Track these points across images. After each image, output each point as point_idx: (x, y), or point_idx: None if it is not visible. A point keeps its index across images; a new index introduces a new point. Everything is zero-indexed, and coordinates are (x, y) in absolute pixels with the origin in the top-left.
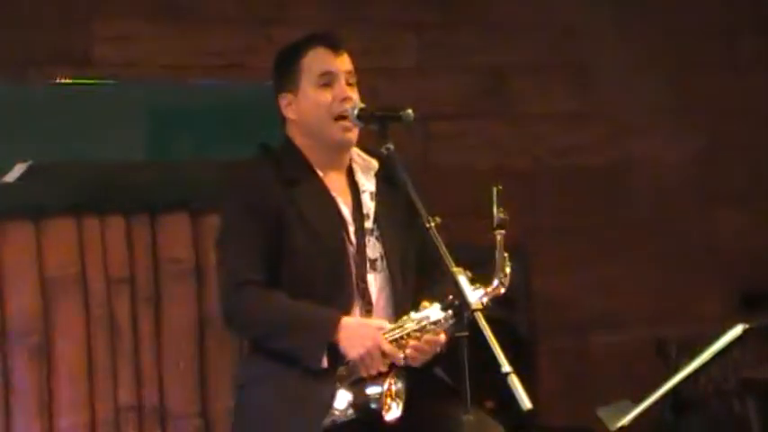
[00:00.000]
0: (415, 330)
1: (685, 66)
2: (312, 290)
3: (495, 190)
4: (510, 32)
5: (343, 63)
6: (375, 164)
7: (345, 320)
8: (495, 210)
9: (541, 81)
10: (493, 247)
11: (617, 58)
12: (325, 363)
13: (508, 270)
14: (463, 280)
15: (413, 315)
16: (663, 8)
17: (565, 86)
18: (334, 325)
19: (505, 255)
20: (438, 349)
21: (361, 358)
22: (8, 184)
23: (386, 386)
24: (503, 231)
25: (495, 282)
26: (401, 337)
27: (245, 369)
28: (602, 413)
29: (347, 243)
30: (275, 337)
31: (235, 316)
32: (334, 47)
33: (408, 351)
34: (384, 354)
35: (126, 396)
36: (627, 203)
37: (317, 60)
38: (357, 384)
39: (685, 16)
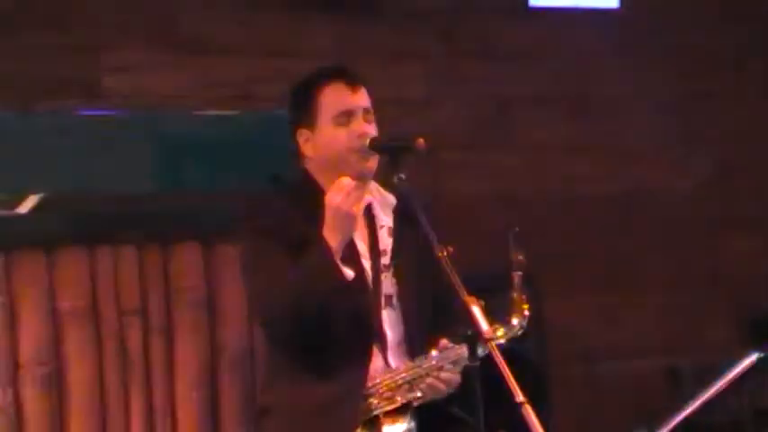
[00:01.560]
0: (434, 369)
1: (691, 92)
2: (329, 327)
3: (511, 233)
4: (515, 63)
5: (361, 99)
6: (393, 199)
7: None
8: (512, 251)
9: (546, 110)
10: (501, 275)
11: (621, 86)
12: (347, 272)
13: (527, 312)
14: (476, 309)
15: (433, 353)
16: (668, 34)
17: (569, 115)
18: (319, 239)
19: (524, 296)
20: (454, 387)
21: (342, 212)
22: (20, 216)
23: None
24: (520, 273)
25: (516, 323)
26: (420, 376)
27: (264, 397)
28: None
29: (363, 278)
30: (302, 297)
31: (273, 313)
32: (352, 83)
33: (424, 387)
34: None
35: (138, 427)
36: (634, 231)
37: (335, 98)
38: (373, 424)
39: (691, 42)
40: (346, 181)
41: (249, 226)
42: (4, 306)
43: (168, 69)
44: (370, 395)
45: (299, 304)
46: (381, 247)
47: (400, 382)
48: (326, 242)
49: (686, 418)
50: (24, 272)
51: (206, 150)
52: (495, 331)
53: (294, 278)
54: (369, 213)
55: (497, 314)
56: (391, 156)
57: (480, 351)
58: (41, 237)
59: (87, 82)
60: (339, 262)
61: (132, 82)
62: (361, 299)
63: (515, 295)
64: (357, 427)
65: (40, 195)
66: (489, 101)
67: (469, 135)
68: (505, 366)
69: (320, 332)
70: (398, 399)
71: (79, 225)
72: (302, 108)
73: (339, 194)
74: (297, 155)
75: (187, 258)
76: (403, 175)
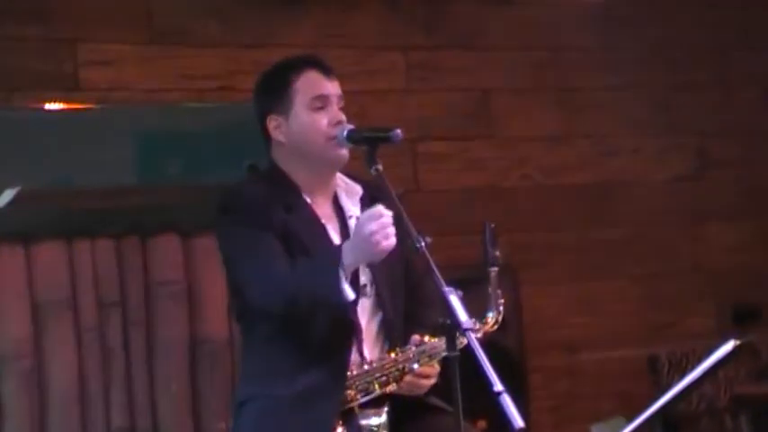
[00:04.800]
0: (411, 362)
1: (672, 84)
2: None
3: (487, 227)
4: (496, 54)
5: (335, 87)
6: (359, 188)
7: (345, 245)
8: (488, 247)
9: (527, 101)
10: (480, 266)
11: (603, 77)
12: (348, 293)
13: (501, 308)
14: (454, 300)
15: (409, 348)
16: (650, 27)
17: (551, 106)
18: (336, 251)
19: (498, 291)
20: (433, 381)
21: (373, 241)
22: None
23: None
24: (496, 269)
25: (491, 317)
26: (397, 370)
27: (243, 387)
28: (597, 430)
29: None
30: (299, 295)
31: (269, 298)
32: (327, 71)
33: (403, 385)
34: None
35: (118, 419)
36: (615, 222)
37: (311, 83)
38: (350, 416)
39: (673, 35)
40: (385, 212)
41: (227, 216)
42: None
43: (147, 62)
44: (347, 387)
45: (294, 300)
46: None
47: (377, 375)
48: (340, 257)
49: (664, 406)
50: (3, 265)
51: (185, 143)
52: (473, 322)
53: (297, 276)
54: (336, 203)
55: (476, 306)
56: (369, 146)
57: (459, 341)
58: (20, 230)
59: (65, 75)
60: (345, 284)
61: (111, 75)
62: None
63: (491, 290)
64: (335, 418)
65: (18, 189)
66: (470, 92)
67: (450, 126)
68: (483, 356)
69: (302, 324)
70: (375, 390)
71: (58, 218)
72: (274, 94)
73: (375, 224)
74: (266, 143)
75: (166, 251)
76: (380, 167)
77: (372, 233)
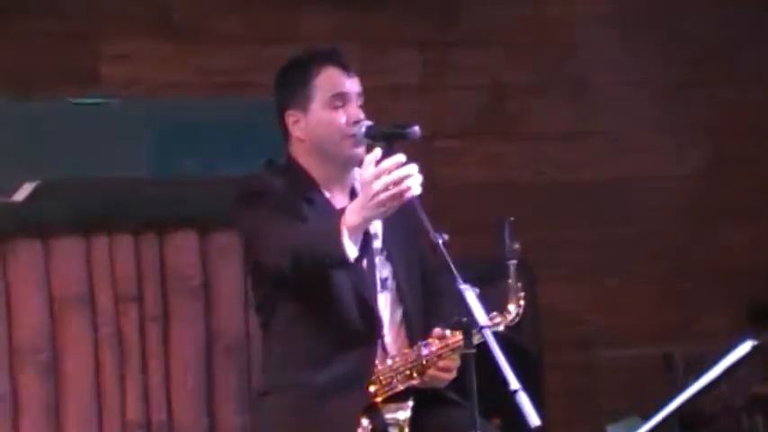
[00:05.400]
0: (433, 357)
1: (687, 82)
2: (335, 309)
3: (507, 222)
4: (512, 50)
5: (355, 84)
6: None
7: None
8: (507, 240)
9: (543, 98)
10: (497, 263)
11: (618, 74)
12: (350, 250)
13: (522, 301)
14: (471, 297)
15: (431, 342)
16: (663, 24)
17: (567, 103)
18: (339, 210)
19: (519, 284)
20: (454, 374)
21: (378, 201)
22: (16, 204)
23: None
24: (515, 262)
25: (513, 311)
26: (420, 364)
27: (265, 378)
28: (612, 430)
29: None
30: (302, 251)
31: (278, 259)
32: (347, 67)
33: (426, 378)
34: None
35: (134, 413)
36: (629, 219)
37: (331, 81)
38: (374, 411)
39: (686, 32)
40: (394, 163)
41: (247, 199)
42: (0, 293)
43: (166, 57)
44: (371, 382)
45: (298, 256)
46: (372, 230)
47: (400, 369)
48: (343, 216)
49: (679, 406)
50: (20, 260)
51: (203, 138)
52: (491, 319)
53: (301, 234)
54: (354, 197)
55: (493, 302)
56: (387, 143)
57: (475, 338)
58: (37, 224)
59: (85, 70)
60: (346, 238)
61: (130, 70)
62: (363, 283)
63: (511, 283)
64: (359, 412)
65: (36, 183)
66: (486, 88)
67: (466, 122)
68: (500, 353)
69: (325, 314)
70: (398, 386)
71: (75, 213)
72: (294, 89)
73: (380, 180)
74: (284, 138)
75: (183, 246)
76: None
77: (377, 192)
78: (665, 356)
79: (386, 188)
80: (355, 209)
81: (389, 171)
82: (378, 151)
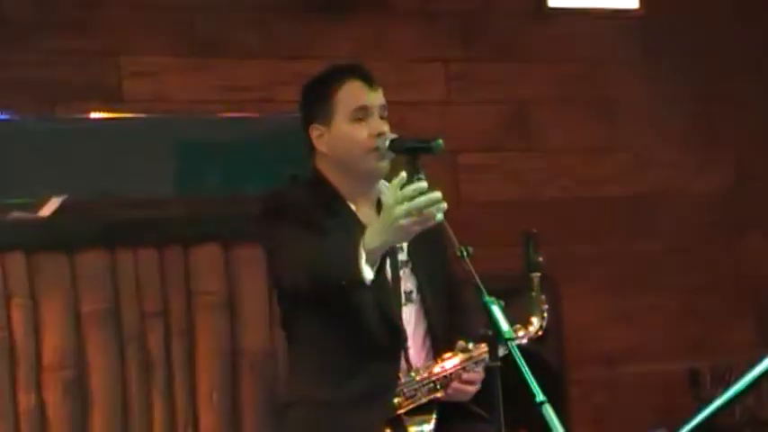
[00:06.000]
0: (457, 369)
1: (711, 96)
2: (357, 322)
3: (530, 234)
4: (535, 65)
5: (378, 97)
6: None
7: (370, 227)
8: (530, 253)
9: (566, 113)
10: (520, 277)
11: (641, 89)
12: (367, 272)
13: (546, 314)
14: (496, 309)
15: (453, 354)
16: (688, 39)
17: (590, 118)
18: (359, 231)
19: (543, 296)
20: (478, 387)
21: (399, 226)
22: (42, 219)
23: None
24: (539, 274)
25: (536, 323)
26: (444, 377)
27: (288, 392)
28: None
29: (385, 276)
30: (318, 271)
31: (296, 277)
32: (369, 81)
33: (450, 391)
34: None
35: (160, 429)
36: (654, 234)
37: (353, 94)
38: (397, 423)
39: (711, 46)
40: (415, 189)
41: (270, 214)
42: (26, 309)
43: (189, 73)
44: (394, 395)
45: (314, 275)
46: (397, 243)
47: (424, 382)
48: (363, 237)
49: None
50: (46, 275)
51: (226, 154)
52: (515, 331)
53: (319, 253)
54: (380, 209)
55: (517, 316)
56: (410, 156)
57: (500, 351)
58: (63, 240)
59: (109, 86)
60: (363, 261)
61: (153, 86)
62: (386, 297)
63: (534, 295)
64: (383, 425)
65: (62, 198)
66: (509, 103)
67: (489, 137)
68: (526, 366)
69: (349, 327)
70: (422, 398)
71: (101, 228)
72: (318, 104)
73: (403, 205)
74: (309, 152)
75: (208, 261)
76: (422, 176)
77: (398, 217)
78: (692, 372)
79: (408, 214)
80: (376, 232)
81: (412, 198)
82: (403, 175)
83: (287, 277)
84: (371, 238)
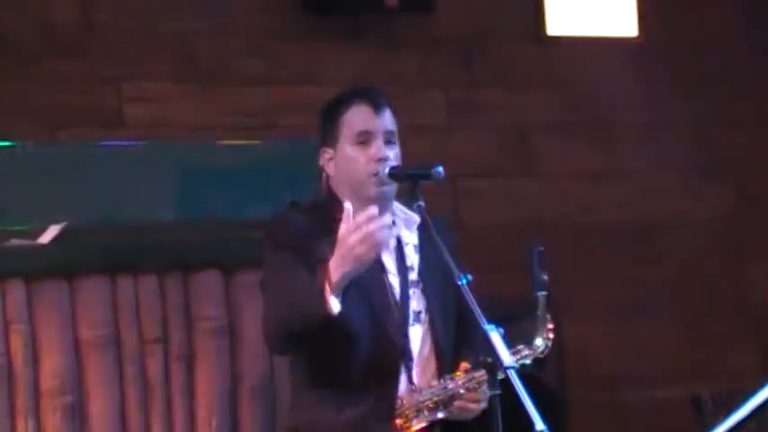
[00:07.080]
0: (460, 389)
1: (712, 121)
2: (353, 341)
3: (535, 251)
4: (535, 91)
5: (383, 122)
6: (417, 218)
7: (331, 261)
8: (536, 271)
9: (567, 138)
10: (521, 301)
11: (642, 114)
12: (333, 304)
13: (551, 334)
14: (495, 337)
15: (459, 375)
16: (688, 63)
17: (590, 144)
18: (323, 270)
19: (548, 315)
20: (483, 405)
21: (355, 255)
22: (42, 246)
23: None
24: (545, 293)
25: (540, 342)
26: (447, 396)
27: (291, 417)
28: None
29: (389, 296)
30: (292, 315)
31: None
32: (376, 104)
33: (453, 410)
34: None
35: None
36: (655, 260)
37: (357, 118)
38: None
39: (711, 71)
40: (367, 217)
41: (271, 245)
42: (26, 335)
43: (190, 99)
44: (397, 416)
45: (284, 322)
46: (408, 263)
47: (428, 403)
48: (327, 271)
49: None
50: (46, 301)
51: (227, 179)
52: (515, 357)
53: (288, 299)
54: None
55: (519, 342)
56: (411, 183)
57: (500, 377)
58: (63, 266)
59: (109, 112)
60: (328, 294)
61: (154, 112)
62: (386, 318)
63: (539, 315)
64: None
65: (62, 225)
66: (509, 128)
67: (490, 163)
68: (525, 393)
69: (347, 354)
70: (425, 418)
71: (100, 254)
72: (327, 127)
73: (355, 234)
74: (321, 175)
75: (208, 287)
76: (422, 203)
77: (353, 246)
78: (694, 397)
79: (362, 242)
80: (335, 264)
81: (362, 225)
82: (349, 206)
83: (266, 331)
84: (333, 272)
